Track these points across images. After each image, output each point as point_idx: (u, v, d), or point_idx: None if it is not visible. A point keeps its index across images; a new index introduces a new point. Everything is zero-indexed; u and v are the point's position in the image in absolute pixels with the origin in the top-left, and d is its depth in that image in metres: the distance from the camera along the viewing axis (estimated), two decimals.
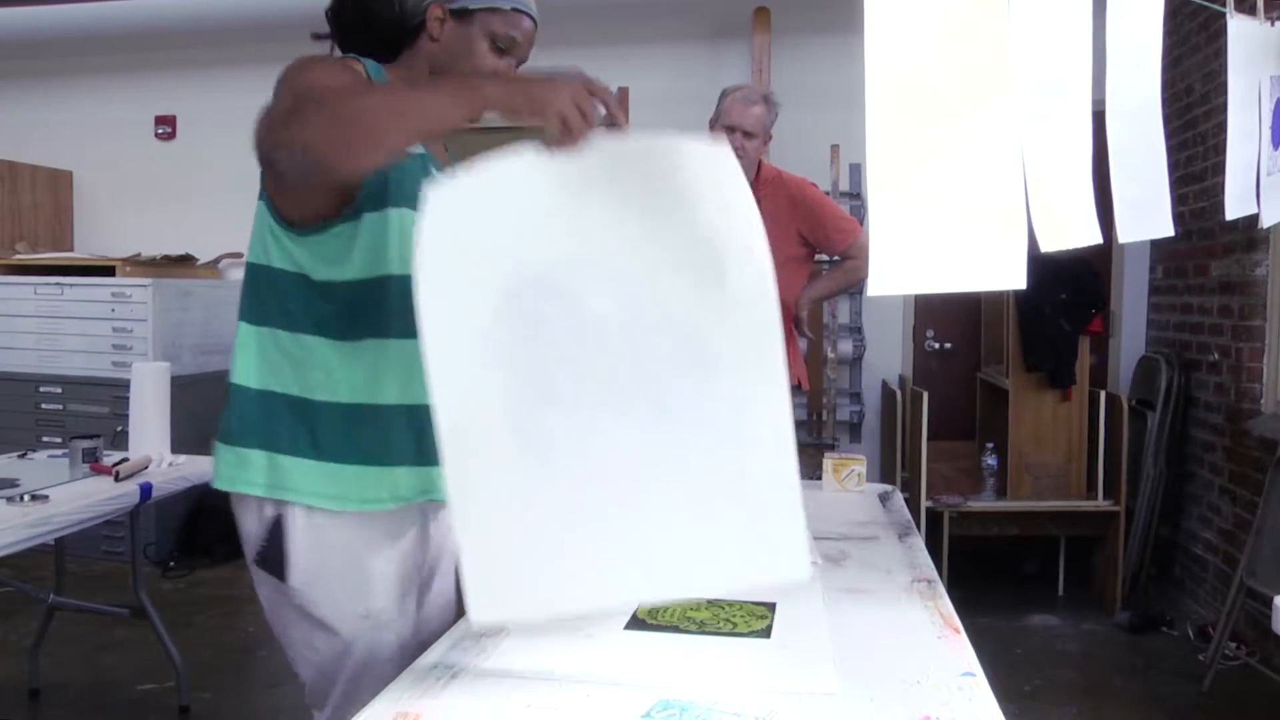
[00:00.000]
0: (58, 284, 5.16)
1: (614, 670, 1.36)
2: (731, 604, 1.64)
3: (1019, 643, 4.06)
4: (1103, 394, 4.41)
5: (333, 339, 1.52)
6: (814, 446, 4.96)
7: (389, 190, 1.48)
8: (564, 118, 1.25)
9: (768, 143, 3.28)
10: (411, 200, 1.40)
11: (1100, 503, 4.40)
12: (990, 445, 4.57)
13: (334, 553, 1.54)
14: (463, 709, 1.26)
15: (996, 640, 3.93)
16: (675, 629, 1.53)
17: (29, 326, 5.25)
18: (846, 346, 5.20)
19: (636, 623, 1.55)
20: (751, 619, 1.56)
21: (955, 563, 4.31)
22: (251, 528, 1.55)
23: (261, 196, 1.53)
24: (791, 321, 3.37)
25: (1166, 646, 4.06)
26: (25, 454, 3.42)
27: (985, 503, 4.45)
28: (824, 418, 5.14)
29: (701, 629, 1.52)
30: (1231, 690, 3.59)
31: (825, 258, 3.54)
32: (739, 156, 3.45)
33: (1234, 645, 3.79)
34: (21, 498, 2.69)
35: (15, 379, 5.20)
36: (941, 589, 1.76)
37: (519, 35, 1.60)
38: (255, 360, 1.55)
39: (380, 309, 1.51)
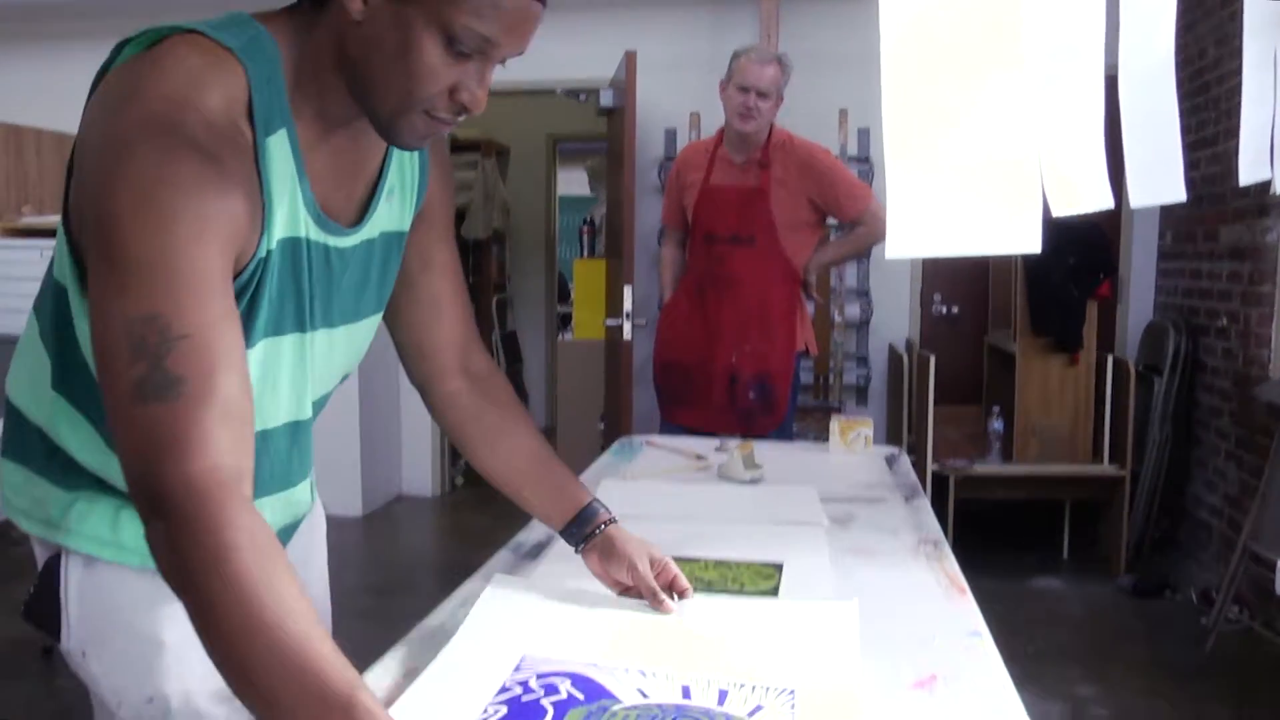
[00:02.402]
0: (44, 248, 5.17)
1: (619, 640, 1.37)
2: (739, 564, 1.65)
3: (1023, 605, 4.09)
4: (1110, 359, 4.41)
5: None
6: (821, 409, 4.97)
7: (253, 323, 1.08)
8: None
9: (780, 105, 3.27)
10: (266, 330, 1.09)
11: (1106, 467, 4.41)
12: (997, 409, 4.58)
13: (117, 615, 1.16)
14: (478, 622, 1.29)
15: (1001, 603, 3.95)
16: None
17: (35, 291, 5.24)
18: (854, 310, 5.20)
19: None
20: (759, 579, 1.58)
21: (960, 526, 4.33)
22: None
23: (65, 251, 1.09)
24: (800, 286, 3.38)
25: (1169, 610, 4.08)
26: None
27: (991, 466, 4.46)
28: (831, 381, 5.14)
29: (709, 589, 1.54)
30: (1233, 654, 3.61)
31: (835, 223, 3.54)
32: (753, 117, 3.45)
33: (1237, 609, 3.81)
34: None
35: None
36: (947, 550, 1.77)
37: (497, 28, 1.00)
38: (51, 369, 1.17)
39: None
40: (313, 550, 1.46)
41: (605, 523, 1.40)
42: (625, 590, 1.40)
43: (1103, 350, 4.49)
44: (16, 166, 5.70)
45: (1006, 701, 1.18)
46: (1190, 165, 4.27)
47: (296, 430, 1.23)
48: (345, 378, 1.32)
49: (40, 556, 1.19)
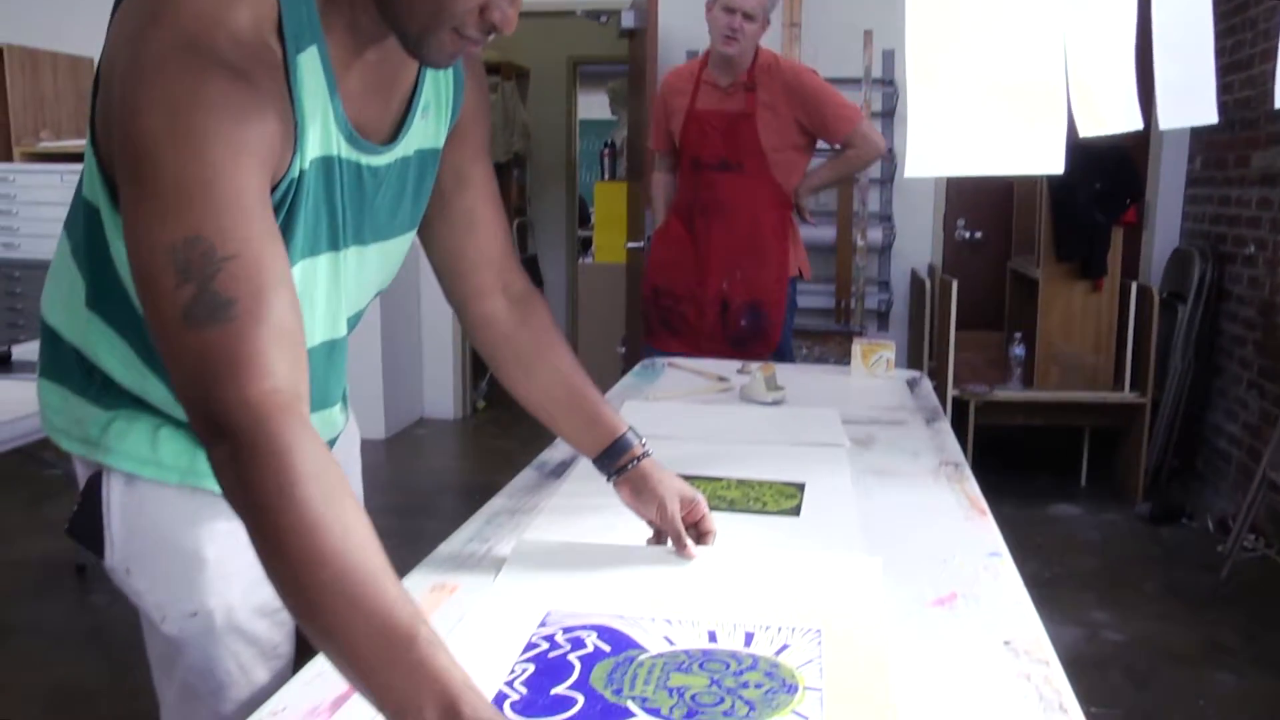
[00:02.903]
0: (76, 171, 5.16)
1: (645, 580, 1.39)
2: (761, 483, 1.67)
3: (1040, 531, 4.12)
4: (1134, 285, 4.39)
5: None
6: (841, 334, 4.97)
7: (290, 244, 1.07)
8: None
9: (766, 28, 3.20)
10: (302, 251, 1.10)
11: (1126, 394, 4.40)
12: (1018, 335, 4.57)
13: (158, 532, 1.17)
14: (502, 579, 1.30)
15: (1018, 528, 3.98)
16: None
17: (56, 215, 5.26)
18: (876, 235, 5.17)
19: None
20: (781, 498, 1.60)
21: (979, 451, 4.35)
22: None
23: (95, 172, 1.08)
24: (791, 211, 3.35)
25: (1186, 538, 4.11)
26: None
27: (1011, 392, 4.46)
28: (852, 306, 5.13)
29: (732, 507, 1.56)
30: (1248, 581, 3.64)
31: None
32: (736, 39, 3.39)
33: (1253, 537, 3.83)
34: None
35: (46, 268, 5.20)
36: (968, 472, 1.79)
37: None
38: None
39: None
40: (349, 465, 1.47)
41: (639, 457, 1.38)
42: (654, 534, 1.39)
43: (1127, 277, 4.47)
44: (33, 90, 5.68)
45: (1026, 618, 1.20)
46: (1223, 88, 4.20)
47: (333, 349, 1.24)
48: (378, 295, 1.32)
49: (81, 475, 1.20)
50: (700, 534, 1.36)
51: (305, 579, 0.81)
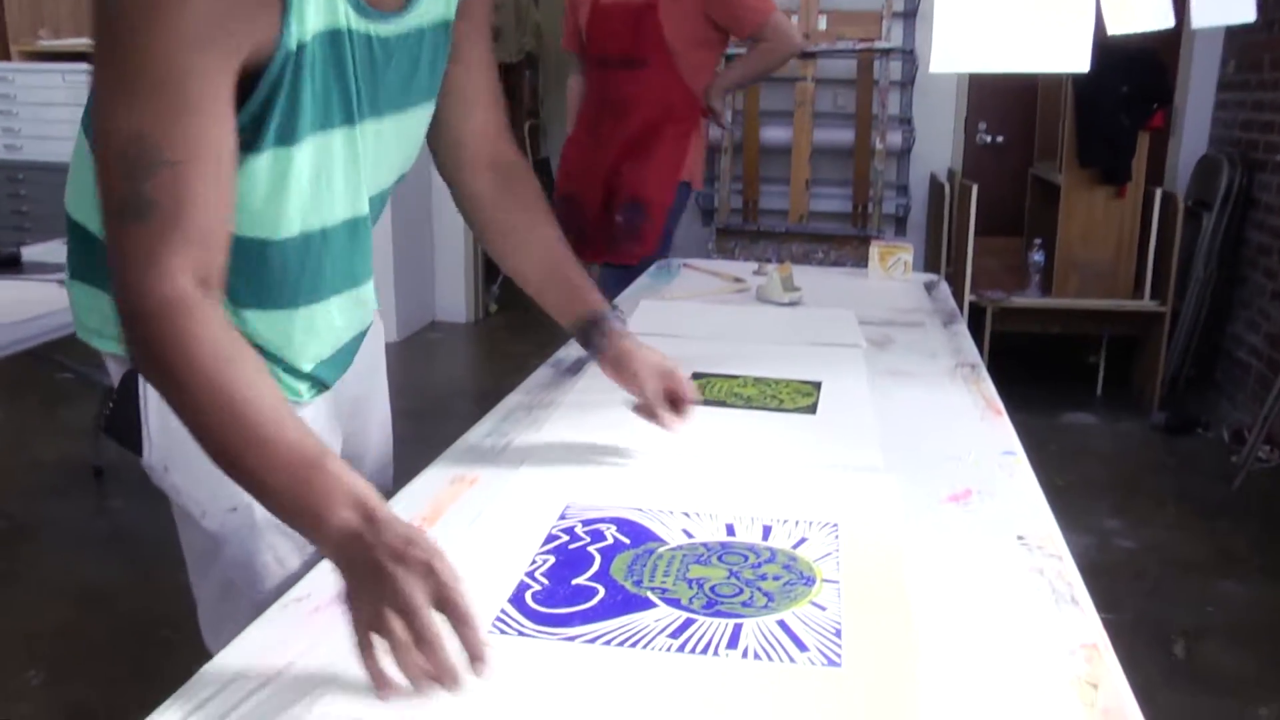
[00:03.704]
0: (87, 71, 5.12)
1: (663, 441, 1.42)
2: (778, 381, 1.69)
3: (1055, 439, 4.14)
4: (1158, 193, 4.34)
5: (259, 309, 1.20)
6: (858, 238, 4.96)
7: (268, 129, 1.04)
8: (379, 630, 0.85)
9: None
10: (313, 126, 1.08)
11: (1146, 303, 4.39)
12: (1038, 242, 4.54)
13: None
14: (520, 474, 1.33)
15: (1032, 436, 3.97)
16: (722, 404, 1.59)
17: (60, 115, 5.23)
18: (895, 138, 5.12)
19: None
20: (798, 396, 1.62)
21: (996, 359, 4.36)
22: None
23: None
24: (700, 113, 3.16)
25: (1200, 448, 4.13)
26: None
27: (1029, 299, 4.45)
28: (869, 210, 5.11)
29: (748, 404, 1.58)
30: (1261, 491, 3.67)
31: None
32: None
33: (1268, 448, 3.85)
34: None
35: (50, 169, 5.19)
36: (985, 373, 1.80)
37: None
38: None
39: (257, 278, 1.16)
40: (377, 359, 1.50)
41: (615, 332, 1.40)
42: (637, 407, 1.41)
43: (1151, 184, 4.42)
44: None
45: (1039, 515, 1.22)
46: None
47: (355, 228, 1.24)
48: (401, 179, 1.32)
49: (115, 373, 1.20)
50: (676, 404, 1.38)
51: (219, 435, 0.92)
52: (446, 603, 0.83)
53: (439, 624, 0.83)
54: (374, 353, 1.47)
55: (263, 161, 1.05)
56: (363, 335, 1.38)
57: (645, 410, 1.39)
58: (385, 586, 0.83)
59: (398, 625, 0.82)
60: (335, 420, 1.36)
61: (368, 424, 1.48)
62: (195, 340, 0.93)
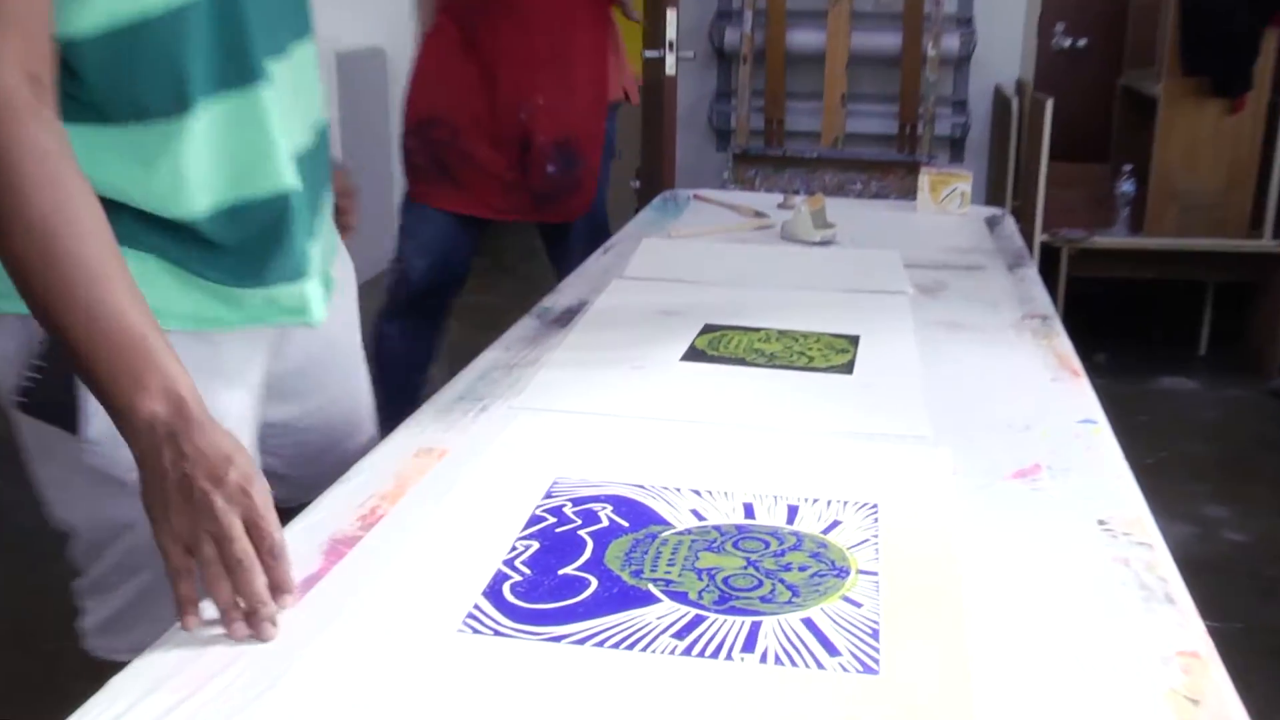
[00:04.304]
0: None
1: (668, 406, 1.43)
2: (807, 335, 1.70)
3: (1146, 408, 4.14)
4: None
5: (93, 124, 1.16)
6: (905, 165, 4.95)
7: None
8: (193, 549, 0.96)
9: None
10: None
11: (1265, 243, 4.37)
12: (1128, 168, 4.52)
13: None
14: (498, 444, 1.34)
15: (1118, 404, 3.96)
16: (741, 361, 1.61)
17: None
18: (951, 42, 5.09)
19: (695, 354, 1.64)
20: (830, 352, 1.63)
21: (1073, 309, 4.33)
22: (6, 352, 1.21)
23: None
24: (611, 7, 3.00)
25: None
26: None
27: (1116, 238, 4.44)
28: (919, 131, 5.10)
29: (771, 362, 1.60)
30: None
31: None
32: None
33: None
34: None
35: None
36: (1058, 325, 1.82)
37: None
38: None
39: (140, 74, 1.14)
40: (348, 319, 1.53)
41: None
42: None
43: (1276, 95, 4.38)
44: None
45: (1125, 495, 1.23)
46: None
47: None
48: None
49: (24, 342, 1.18)
50: (344, 228, 1.50)
51: (36, 281, 0.98)
52: (256, 530, 0.95)
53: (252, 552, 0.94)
54: (344, 315, 1.50)
55: None
56: (323, 149, 1.38)
57: None
58: (199, 508, 0.94)
59: (210, 549, 0.94)
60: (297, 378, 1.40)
61: (342, 389, 1.52)
62: (21, 151, 0.97)
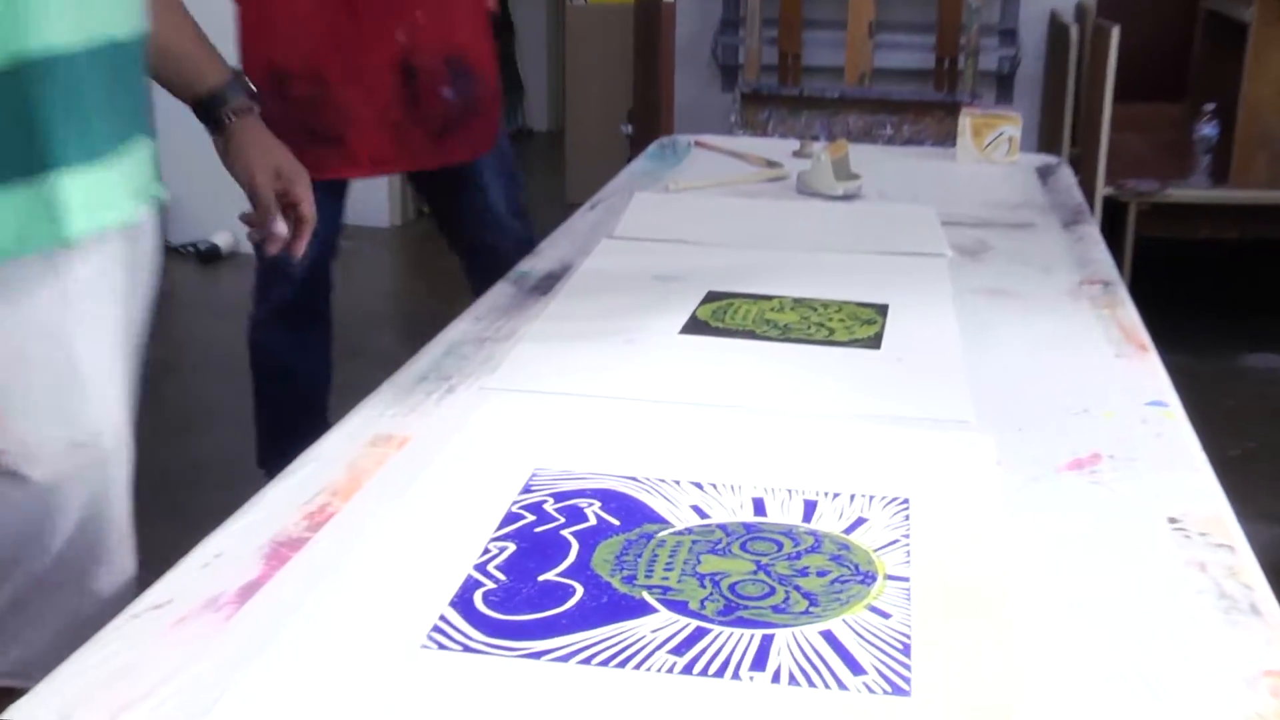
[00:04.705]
0: None
1: (666, 385, 1.44)
2: (828, 304, 1.71)
3: (1230, 391, 4.14)
4: None
5: None
6: (944, 105, 4.93)
7: None
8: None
9: None
10: None
11: None
12: (1210, 108, 4.51)
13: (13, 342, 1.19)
14: (469, 431, 1.35)
15: (1194, 385, 3.93)
16: (750, 334, 1.62)
17: None
18: None
19: (696, 326, 1.64)
20: (855, 324, 1.64)
21: (1141, 274, 4.33)
22: None
23: None
24: None
25: None
26: None
27: (1194, 191, 4.43)
28: (961, 65, 5.09)
29: (785, 335, 1.60)
30: None
31: None
32: None
33: None
34: None
35: None
36: (1124, 293, 1.82)
37: None
38: None
39: None
40: (136, 283, 1.38)
41: (239, 108, 1.58)
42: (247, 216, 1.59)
43: None
44: None
45: (1203, 490, 1.23)
46: None
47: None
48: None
49: None
50: (298, 220, 1.60)
51: None
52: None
53: None
54: (133, 275, 1.36)
55: None
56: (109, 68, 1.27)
57: (253, 220, 1.57)
58: None
59: None
60: None
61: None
62: None
